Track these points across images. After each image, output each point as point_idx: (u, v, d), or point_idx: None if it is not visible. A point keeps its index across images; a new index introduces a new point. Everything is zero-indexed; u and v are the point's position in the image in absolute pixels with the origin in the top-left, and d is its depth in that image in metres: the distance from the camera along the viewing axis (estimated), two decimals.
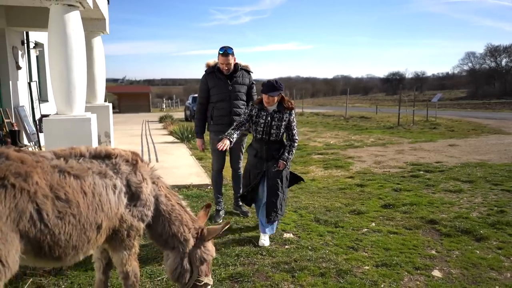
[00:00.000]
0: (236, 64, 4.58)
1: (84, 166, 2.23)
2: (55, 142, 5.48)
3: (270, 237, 4.11)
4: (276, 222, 4.11)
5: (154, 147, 10.35)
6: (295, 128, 4.09)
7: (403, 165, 7.95)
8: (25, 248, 1.95)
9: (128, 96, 39.88)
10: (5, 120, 7.70)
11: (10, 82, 8.05)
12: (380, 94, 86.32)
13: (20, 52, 8.57)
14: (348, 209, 5.08)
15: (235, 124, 3.98)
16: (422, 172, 7.21)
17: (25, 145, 7.98)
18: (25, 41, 8.94)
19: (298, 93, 30.46)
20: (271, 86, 3.83)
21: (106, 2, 8.45)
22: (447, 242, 4.02)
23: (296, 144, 4.11)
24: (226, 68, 4.46)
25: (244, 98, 4.64)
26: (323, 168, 7.78)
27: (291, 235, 4.21)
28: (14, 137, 7.69)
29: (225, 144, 3.64)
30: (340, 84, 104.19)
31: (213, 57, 4.72)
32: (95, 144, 5.92)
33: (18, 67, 8.37)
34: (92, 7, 5.98)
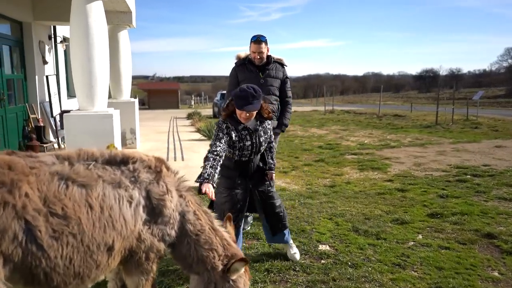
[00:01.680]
0: (269, 56, 4.16)
1: (93, 174, 1.85)
2: (77, 138, 5.25)
3: (304, 249, 3.68)
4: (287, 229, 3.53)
5: (180, 144, 10.07)
6: (273, 135, 3.34)
7: (447, 167, 7.30)
8: (11, 275, 1.59)
9: (157, 93, 40.22)
10: (31, 116, 7.58)
11: (36, 77, 7.92)
12: (413, 91, 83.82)
13: (47, 47, 8.45)
14: (389, 218, 4.57)
15: (211, 157, 2.74)
16: (469, 176, 6.56)
17: (50, 141, 7.84)
18: (53, 36, 8.83)
19: (328, 90, 29.70)
20: (247, 97, 2.84)
21: None
22: (511, 262, 3.46)
23: (276, 146, 3.58)
24: (258, 57, 4.03)
25: (277, 93, 4.20)
26: (358, 170, 7.24)
27: (327, 247, 3.75)
28: (39, 133, 7.56)
29: (210, 192, 2.54)
30: (370, 81, 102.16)
31: (234, 54, 4.35)
32: (117, 141, 5.64)
33: (45, 62, 8.24)
34: None
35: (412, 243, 3.87)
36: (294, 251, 3.50)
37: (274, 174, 3.37)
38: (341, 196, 5.51)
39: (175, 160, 7.75)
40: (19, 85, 7.53)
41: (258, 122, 3.11)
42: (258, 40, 3.97)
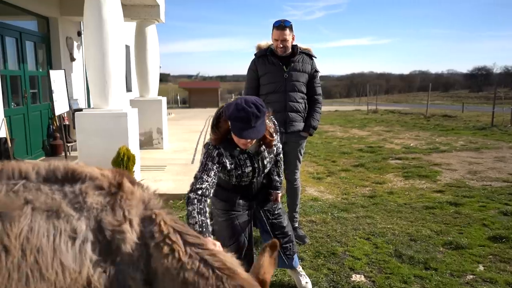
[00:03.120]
0: (294, 46, 3.52)
1: (18, 199, 1.30)
2: (89, 139, 4.85)
3: (333, 280, 3.02)
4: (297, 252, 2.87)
5: None
6: (280, 146, 2.62)
7: (509, 177, 6.31)
8: None
9: (198, 92, 40.33)
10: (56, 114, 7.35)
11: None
12: (463, 90, 79.45)
13: (75, 43, 8.23)
14: (441, 240, 3.79)
15: (195, 198, 2.05)
16: None
17: (75, 141, 7.59)
18: (82, 32, 8.61)
19: (371, 89, 28.38)
20: (248, 120, 2.04)
21: None
22: None
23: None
24: (282, 46, 3.39)
25: (304, 89, 3.55)
26: (402, 177, 6.42)
27: (363, 278, 3.07)
28: (64, 132, 7.32)
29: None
30: (417, 80, 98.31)
31: None
32: (133, 142, 5.19)
33: (72, 59, 8.03)
34: None
35: (471, 276, 3.10)
36: (306, 281, 2.86)
37: (280, 194, 2.71)
38: (382, 209, 4.76)
39: (192, 162, 7.26)
40: (44, 82, 7.32)
41: (260, 142, 2.34)
42: (281, 25, 3.34)
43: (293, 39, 3.46)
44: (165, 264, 1.49)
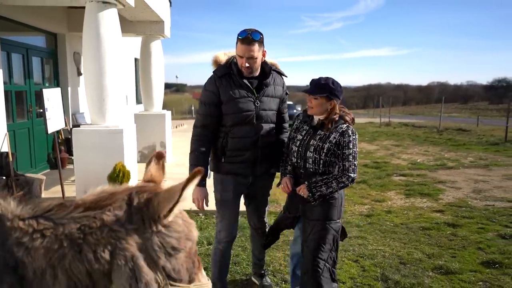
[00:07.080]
0: (264, 63, 2.66)
1: None
2: (85, 154, 4.93)
3: None
4: None
5: None
6: (352, 158, 2.40)
7: None
8: None
9: None
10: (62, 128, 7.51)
11: (70, 88, 7.89)
12: (482, 103, 77.95)
13: (82, 58, 8.41)
14: (431, 264, 3.70)
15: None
16: None
17: None
18: None
19: (385, 101, 28.02)
20: (314, 84, 2.47)
21: (165, 3, 7.91)
22: None
23: (346, 181, 2.36)
24: (247, 65, 2.52)
25: (275, 118, 2.78)
26: (404, 195, 6.31)
27: None
28: (69, 146, 7.46)
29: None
30: (435, 92, 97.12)
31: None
32: (130, 158, 5.24)
33: (79, 73, 8.20)
34: (133, 5, 5.34)
35: None
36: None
37: (304, 189, 2.47)
38: (376, 229, 4.68)
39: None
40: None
41: (321, 123, 2.52)
42: (248, 38, 2.44)
43: (263, 55, 2.60)
44: (46, 255, 1.07)
